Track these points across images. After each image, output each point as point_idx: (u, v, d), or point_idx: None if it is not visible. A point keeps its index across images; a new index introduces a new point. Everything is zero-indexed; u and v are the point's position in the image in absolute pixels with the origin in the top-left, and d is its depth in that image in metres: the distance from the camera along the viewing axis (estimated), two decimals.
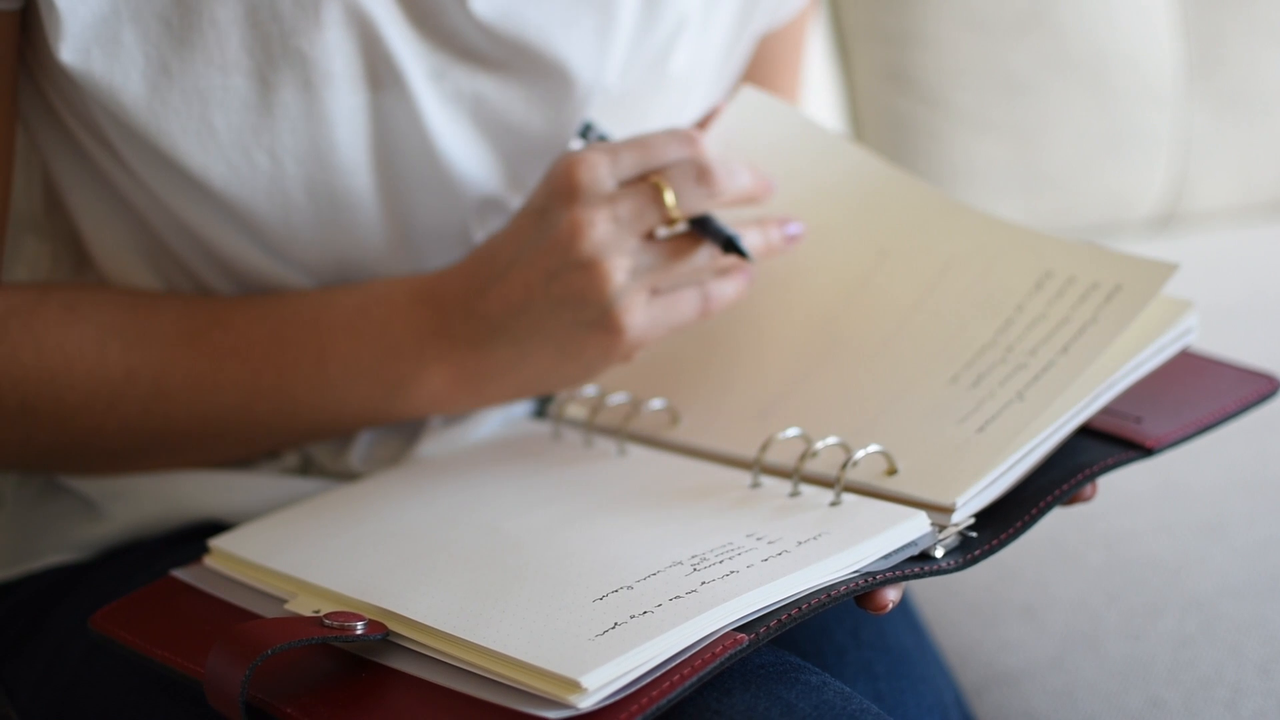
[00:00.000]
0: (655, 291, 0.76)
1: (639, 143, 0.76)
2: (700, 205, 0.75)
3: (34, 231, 0.84)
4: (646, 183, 0.75)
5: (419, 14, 0.77)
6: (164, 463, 0.82)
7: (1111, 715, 0.92)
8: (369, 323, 0.78)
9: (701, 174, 0.75)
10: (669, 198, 0.75)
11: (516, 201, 0.84)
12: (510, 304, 0.75)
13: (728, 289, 0.78)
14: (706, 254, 0.76)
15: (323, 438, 0.82)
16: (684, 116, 0.89)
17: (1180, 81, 1.57)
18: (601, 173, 0.75)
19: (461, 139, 0.80)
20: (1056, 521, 1.07)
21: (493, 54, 0.79)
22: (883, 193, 0.82)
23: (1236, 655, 0.94)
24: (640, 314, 0.75)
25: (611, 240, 0.74)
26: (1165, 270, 0.73)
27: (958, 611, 1.03)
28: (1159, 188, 1.59)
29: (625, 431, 0.78)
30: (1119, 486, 1.10)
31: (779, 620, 0.60)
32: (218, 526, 0.82)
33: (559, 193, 0.75)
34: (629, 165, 0.75)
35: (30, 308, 0.78)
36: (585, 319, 0.75)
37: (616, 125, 0.85)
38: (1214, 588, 0.99)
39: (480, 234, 0.84)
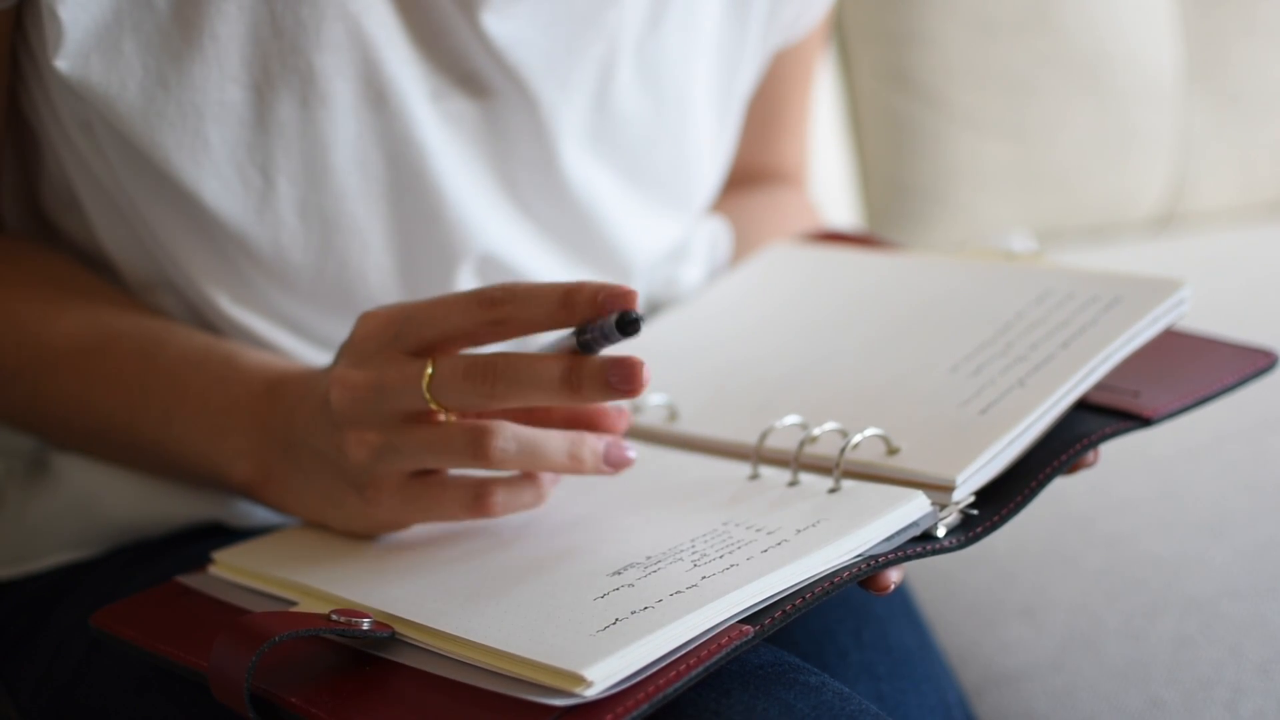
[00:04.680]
0: (422, 474, 0.69)
1: (437, 301, 0.67)
2: (465, 401, 0.66)
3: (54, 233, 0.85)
4: (421, 360, 0.67)
5: (426, 34, 0.77)
6: (63, 448, 0.83)
7: (1111, 715, 0.92)
8: (219, 396, 0.76)
9: (471, 371, 0.65)
10: (427, 387, 0.66)
11: (517, 241, 0.84)
12: (304, 429, 0.72)
13: (518, 495, 0.69)
14: (464, 444, 0.66)
15: (184, 482, 0.81)
16: (692, 137, 0.89)
17: (1180, 81, 1.57)
18: (378, 330, 0.68)
19: (459, 161, 0.80)
20: (1056, 523, 1.07)
21: (492, 80, 0.79)
22: (899, 277, 0.85)
23: (1236, 655, 0.94)
24: (392, 495, 0.68)
25: (361, 413, 0.67)
26: (1169, 285, 0.74)
27: (958, 613, 1.03)
28: (1159, 188, 1.59)
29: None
30: (1119, 487, 1.10)
31: (783, 611, 0.60)
32: (220, 527, 0.82)
33: (347, 340, 0.70)
34: (418, 326, 0.67)
35: None
36: (341, 476, 0.70)
37: (616, 152, 0.85)
38: (1214, 588, 0.99)
39: (469, 284, 0.84)
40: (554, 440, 0.67)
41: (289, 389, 0.74)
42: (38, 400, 0.80)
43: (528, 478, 0.69)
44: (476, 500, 0.68)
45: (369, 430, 0.68)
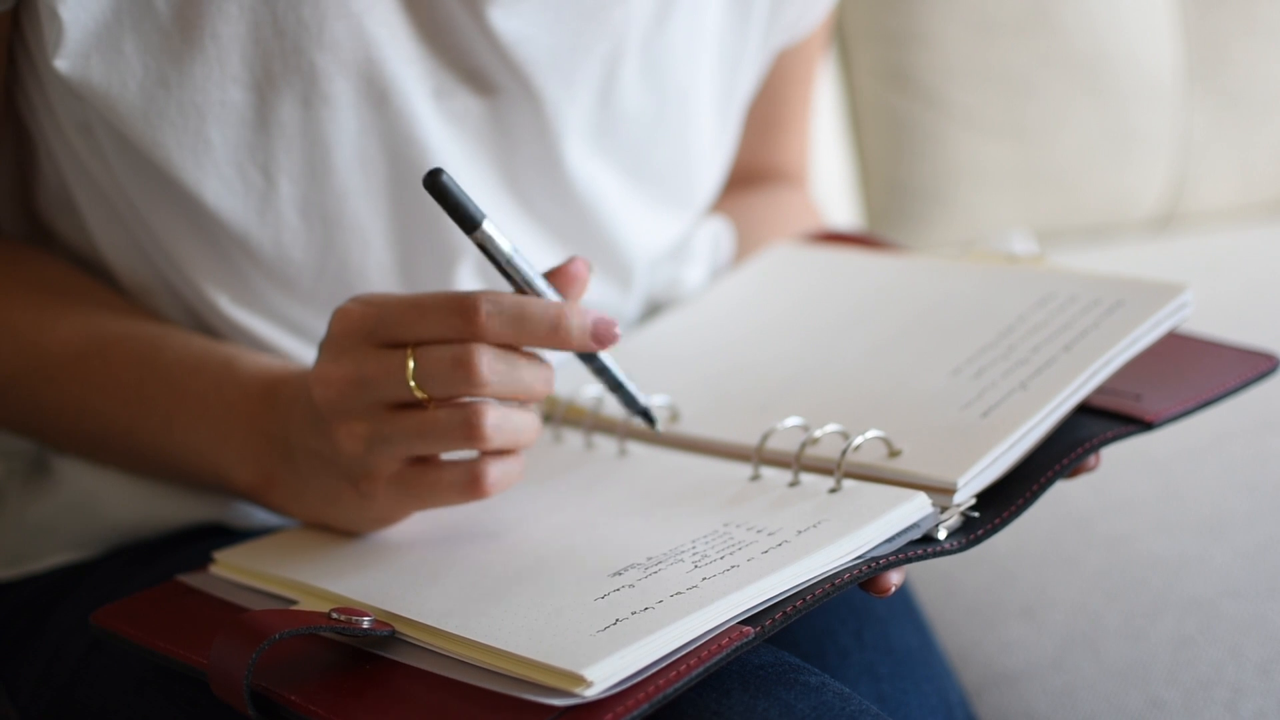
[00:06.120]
0: (416, 461, 0.69)
1: (413, 304, 0.66)
2: (452, 391, 0.66)
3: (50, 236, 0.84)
4: (400, 351, 0.66)
5: (431, 31, 0.77)
6: (64, 453, 0.83)
7: (1111, 715, 0.92)
8: (217, 402, 0.76)
9: (458, 362, 0.65)
10: (411, 376, 0.66)
11: (519, 239, 0.84)
12: (299, 432, 0.72)
13: (508, 471, 0.68)
14: (455, 426, 0.66)
15: (188, 485, 0.81)
16: (695, 135, 0.89)
17: (1180, 81, 1.57)
18: (353, 327, 0.67)
19: (462, 159, 0.80)
20: (1056, 523, 1.07)
21: (496, 78, 0.79)
22: (902, 281, 0.85)
23: (1236, 655, 0.94)
24: (387, 486, 0.68)
25: (346, 406, 0.67)
26: (1171, 289, 0.74)
27: (958, 613, 1.03)
28: (1159, 188, 1.59)
29: (626, 428, 0.78)
30: (1119, 487, 1.10)
31: (784, 613, 0.60)
32: (220, 528, 0.82)
33: (322, 340, 0.69)
34: (392, 326, 0.66)
35: None
36: (337, 472, 0.70)
37: (619, 150, 0.85)
38: (1214, 588, 0.99)
39: (470, 282, 0.84)
40: (529, 415, 0.68)
41: (284, 392, 0.74)
42: (36, 407, 0.80)
43: (510, 451, 0.68)
44: (471, 481, 0.67)
45: (357, 422, 0.67)
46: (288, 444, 0.72)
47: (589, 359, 0.70)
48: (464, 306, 0.65)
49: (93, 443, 0.80)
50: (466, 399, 0.67)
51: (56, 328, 0.79)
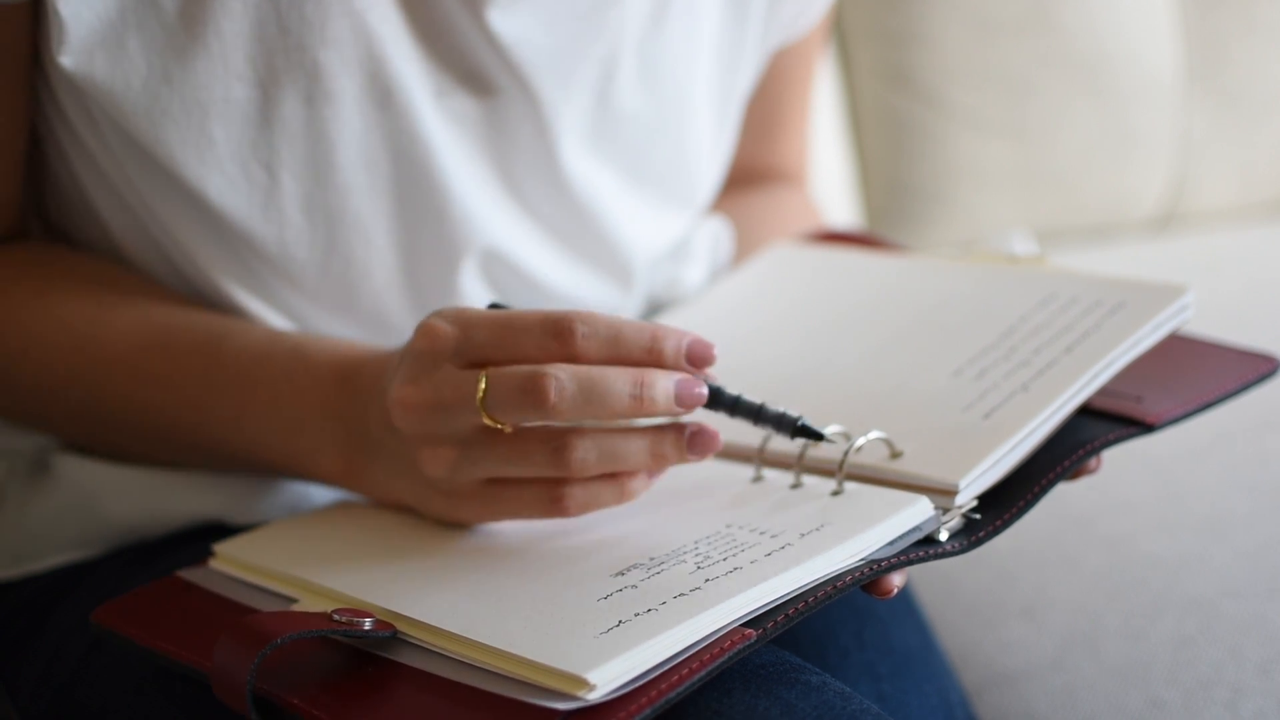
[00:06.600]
0: (497, 480, 0.68)
1: (504, 323, 0.65)
2: (522, 419, 0.65)
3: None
4: (474, 374, 0.65)
5: (430, 31, 0.77)
6: (120, 455, 0.82)
7: (1111, 715, 0.92)
8: (289, 390, 0.75)
9: (527, 386, 0.63)
10: (481, 405, 0.65)
11: (520, 239, 0.84)
12: (379, 432, 0.71)
13: (596, 494, 0.67)
14: (543, 457, 0.66)
15: (254, 473, 0.81)
16: (692, 135, 0.89)
17: (1180, 81, 1.57)
18: (437, 346, 0.66)
19: (462, 159, 0.80)
20: (1056, 523, 1.07)
21: (495, 78, 0.79)
22: (903, 282, 0.85)
23: (1236, 655, 0.94)
24: (471, 499, 0.68)
25: (429, 431, 0.67)
26: (1172, 291, 0.74)
27: (958, 613, 1.03)
28: (1159, 188, 1.59)
29: None
30: (1119, 487, 1.11)
31: (786, 615, 0.60)
32: (220, 527, 0.82)
33: (405, 350, 0.68)
34: (481, 346, 0.66)
35: (8, 284, 0.79)
36: (422, 482, 0.70)
37: (617, 150, 0.85)
38: (1214, 588, 0.99)
39: (473, 281, 0.84)
40: (634, 442, 0.66)
41: (360, 381, 0.73)
42: (96, 405, 0.79)
43: (607, 476, 0.67)
44: (552, 501, 0.67)
45: (442, 446, 0.67)
46: (369, 438, 0.72)
47: (717, 402, 0.68)
48: (559, 329, 0.64)
49: (158, 440, 0.79)
50: (555, 424, 0.66)
51: (114, 321, 0.78)
